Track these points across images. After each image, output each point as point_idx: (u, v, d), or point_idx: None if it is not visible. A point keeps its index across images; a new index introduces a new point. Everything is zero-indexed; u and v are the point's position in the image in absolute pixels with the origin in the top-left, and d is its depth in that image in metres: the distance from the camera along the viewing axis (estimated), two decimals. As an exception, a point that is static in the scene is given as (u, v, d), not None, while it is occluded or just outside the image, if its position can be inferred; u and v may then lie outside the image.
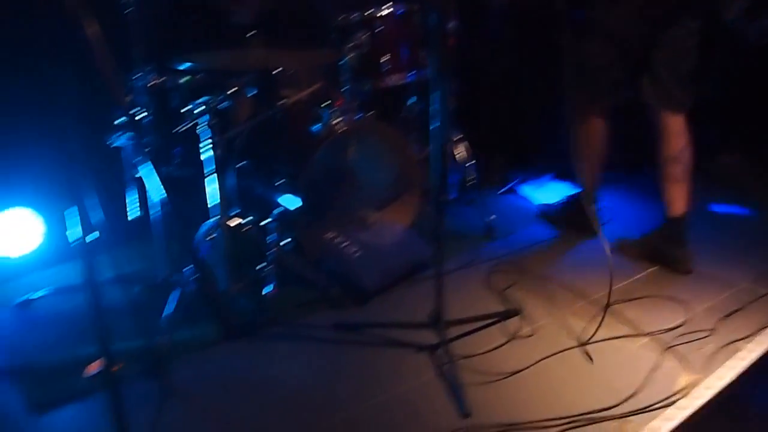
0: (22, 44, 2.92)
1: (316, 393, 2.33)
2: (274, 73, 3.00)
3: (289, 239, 2.91)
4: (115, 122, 2.58)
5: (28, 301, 2.92)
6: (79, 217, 1.23)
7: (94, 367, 2.43)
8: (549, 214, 3.66)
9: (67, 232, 1.21)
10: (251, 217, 2.81)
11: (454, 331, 2.54)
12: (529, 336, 2.60)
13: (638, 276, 3.03)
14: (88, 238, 1.23)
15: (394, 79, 3.19)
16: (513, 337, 2.58)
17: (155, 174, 2.75)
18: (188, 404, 2.28)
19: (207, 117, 2.59)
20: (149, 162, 2.71)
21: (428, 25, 2.26)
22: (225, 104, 2.63)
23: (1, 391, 2.40)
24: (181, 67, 2.75)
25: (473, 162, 3.58)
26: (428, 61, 3.15)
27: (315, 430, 2.17)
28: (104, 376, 2.30)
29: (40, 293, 2.95)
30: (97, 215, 1.27)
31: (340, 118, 2.93)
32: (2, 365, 2.55)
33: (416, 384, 2.35)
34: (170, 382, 2.35)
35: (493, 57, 4.31)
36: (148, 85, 2.78)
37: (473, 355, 2.47)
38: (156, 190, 2.64)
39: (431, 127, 2.29)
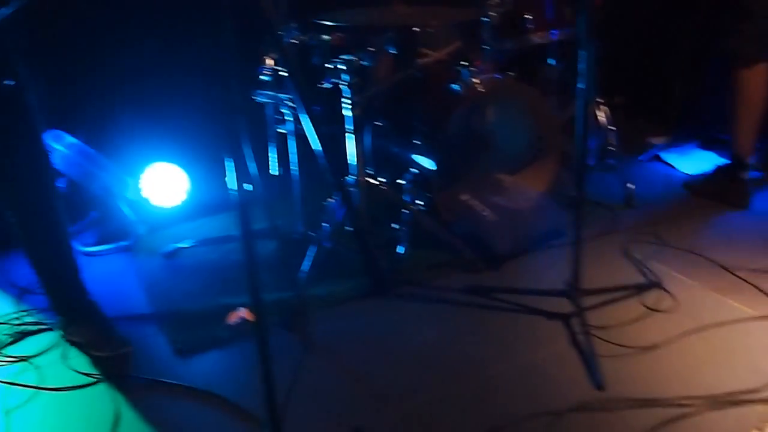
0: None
1: (450, 354, 2.34)
2: (414, 30, 2.97)
3: (424, 200, 2.91)
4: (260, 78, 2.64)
5: (176, 250, 3.07)
6: (235, 169, 1.26)
7: (235, 317, 2.55)
8: (694, 185, 3.48)
9: (226, 179, 1.24)
10: (385, 177, 2.83)
11: (590, 300, 2.47)
12: (668, 310, 2.49)
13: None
14: (244, 189, 1.26)
15: (537, 38, 3.09)
16: (651, 310, 2.49)
17: (295, 131, 2.82)
18: (324, 357, 2.34)
19: (348, 75, 2.61)
20: (290, 118, 2.78)
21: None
22: (366, 62, 2.63)
23: (149, 334, 2.55)
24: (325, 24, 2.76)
25: (614, 127, 3.44)
26: (575, 19, 3.03)
27: (450, 390, 2.17)
28: (252, 326, 2.42)
29: (186, 243, 3.11)
30: (251, 168, 1.30)
31: (480, 78, 2.87)
32: (151, 310, 2.71)
33: (549, 352, 2.31)
34: (308, 336, 2.42)
35: (640, 15, 4.10)
36: (291, 41, 2.82)
37: (609, 327, 2.40)
38: (294, 147, 2.70)
39: (577, 88, 2.20)
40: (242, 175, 1.27)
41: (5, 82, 2.03)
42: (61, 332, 2.52)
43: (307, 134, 1.92)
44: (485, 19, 2.92)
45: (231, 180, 1.27)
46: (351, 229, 2.67)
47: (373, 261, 2.61)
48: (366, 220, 2.74)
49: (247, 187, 1.28)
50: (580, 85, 2.21)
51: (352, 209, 2.48)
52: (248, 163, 1.32)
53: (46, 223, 2.33)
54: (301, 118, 1.51)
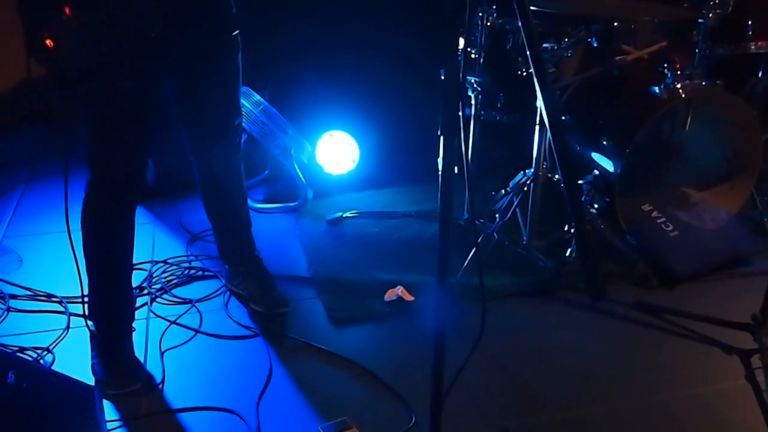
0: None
1: (612, 369, 2.22)
2: (616, 24, 2.81)
3: (602, 204, 2.76)
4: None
5: (340, 219, 3.10)
6: (444, 150, 1.21)
7: (392, 294, 2.53)
8: None
9: (438, 159, 1.20)
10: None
11: (774, 340, 2.26)
12: None
13: None
14: (452, 168, 1.21)
15: (757, 47, 2.83)
16: None
17: (476, 115, 2.75)
18: (483, 351, 2.26)
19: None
20: (474, 104, 2.71)
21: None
22: (568, 53, 2.51)
23: (306, 297, 2.59)
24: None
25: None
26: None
27: (607, 407, 2.06)
28: (408, 305, 2.38)
29: (350, 213, 3.12)
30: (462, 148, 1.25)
31: (685, 83, 2.67)
32: (310, 274, 2.74)
33: (721, 388, 2.14)
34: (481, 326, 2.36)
35: None
36: (487, 24, 2.73)
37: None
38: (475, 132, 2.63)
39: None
40: (451, 157, 1.21)
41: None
42: (227, 281, 2.60)
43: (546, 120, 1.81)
44: (701, 20, 2.70)
45: (439, 161, 1.22)
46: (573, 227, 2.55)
47: (592, 265, 2.50)
48: (533, 219, 2.62)
49: (453, 170, 1.23)
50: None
51: (578, 210, 2.38)
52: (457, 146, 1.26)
53: (227, 173, 2.39)
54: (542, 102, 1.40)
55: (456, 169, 1.25)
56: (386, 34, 3.21)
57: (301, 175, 3.20)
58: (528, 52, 1.21)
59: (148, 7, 1.86)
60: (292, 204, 3.23)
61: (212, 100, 2.19)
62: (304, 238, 3.00)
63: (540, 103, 2.04)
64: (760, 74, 3.20)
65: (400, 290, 2.53)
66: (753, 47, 2.86)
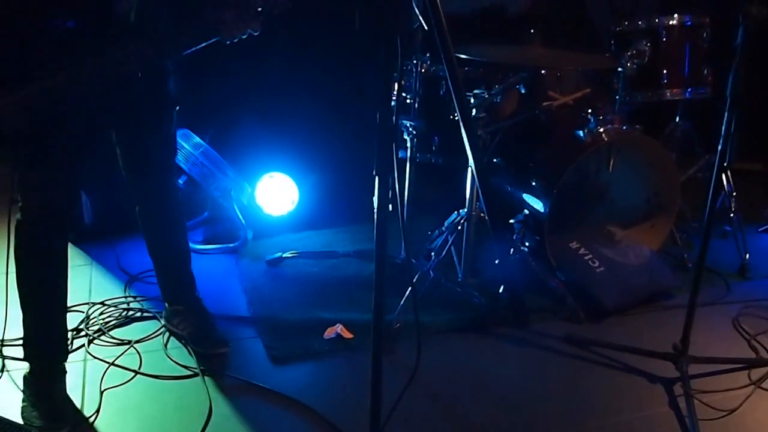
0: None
1: (543, 402, 2.29)
2: (543, 72, 2.97)
3: (532, 242, 2.88)
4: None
5: (279, 259, 3.13)
6: (379, 188, 1.28)
7: (331, 332, 2.57)
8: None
9: (373, 198, 1.27)
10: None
11: (695, 368, 2.37)
12: (780, 392, 2.37)
13: None
14: (385, 209, 1.28)
15: (671, 94, 3.02)
16: (760, 388, 2.36)
17: (411, 157, 2.85)
18: (419, 385, 2.32)
19: (476, 109, 2.62)
20: (409, 145, 2.81)
21: (729, 40, 2.10)
22: (497, 99, 2.64)
23: (246, 337, 2.61)
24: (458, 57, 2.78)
25: (735, 192, 3.33)
26: (714, 79, 2.96)
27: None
28: (347, 343, 2.42)
29: (289, 253, 3.16)
30: (395, 187, 1.32)
31: (607, 127, 2.83)
32: (250, 313, 2.76)
33: (646, 415, 2.23)
34: (416, 362, 2.42)
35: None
36: (421, 71, 2.85)
37: (713, 398, 2.28)
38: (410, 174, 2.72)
39: (719, 149, 2.14)
40: (385, 195, 1.29)
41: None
42: (166, 321, 2.60)
43: (471, 162, 1.90)
44: (620, 69, 2.89)
45: (375, 199, 1.30)
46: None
47: (518, 297, 2.60)
48: (467, 257, 2.72)
49: (388, 207, 1.30)
50: (719, 148, 2.15)
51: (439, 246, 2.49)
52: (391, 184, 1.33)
53: (167, 214, 2.44)
54: (467, 146, 1.48)
55: (390, 206, 1.32)
56: (325, 79, 3.31)
57: (240, 216, 3.23)
58: (453, 98, 1.30)
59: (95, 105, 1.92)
60: (231, 245, 3.25)
61: (153, 142, 2.27)
62: (244, 279, 3.02)
63: (466, 144, 2.16)
64: (677, 119, 3.42)
65: (339, 328, 2.58)
66: (668, 94, 3.04)
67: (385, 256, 1.35)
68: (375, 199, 1.32)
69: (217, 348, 2.48)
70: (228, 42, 1.86)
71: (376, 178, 1.33)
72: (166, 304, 2.61)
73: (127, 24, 1.91)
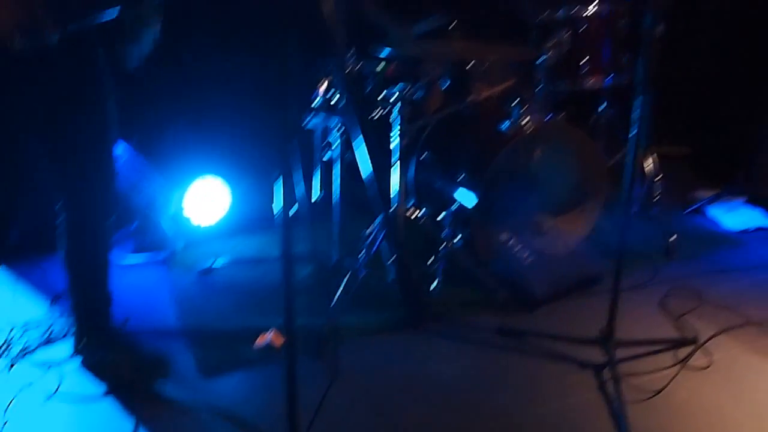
0: (243, 17, 3.08)
1: (475, 395, 2.30)
2: (468, 66, 2.98)
3: (462, 236, 2.89)
4: (312, 105, 2.66)
5: (211, 267, 3.09)
6: (283, 190, 1.26)
7: (262, 340, 2.54)
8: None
9: (273, 204, 1.25)
10: (427, 210, 2.81)
11: (623, 352, 2.42)
12: (704, 368, 2.43)
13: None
14: (289, 212, 1.26)
15: (592, 83, 3.06)
16: (685, 367, 2.42)
17: (340, 157, 2.83)
18: (349, 387, 2.32)
19: (399, 105, 2.61)
20: (337, 146, 2.79)
21: (641, 27, 2.14)
22: (418, 94, 2.63)
23: (177, 351, 2.55)
24: (381, 54, 2.78)
25: (660, 176, 3.40)
26: (632, 65, 3.00)
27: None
28: (279, 350, 2.41)
29: (221, 261, 3.12)
30: (299, 190, 1.30)
31: (530, 118, 2.86)
32: (180, 326, 2.72)
33: (577, 401, 2.26)
34: (334, 365, 2.40)
35: (698, 65, 4.07)
36: (346, 69, 2.83)
37: (640, 380, 2.34)
38: (339, 174, 2.70)
39: (630, 135, 2.18)
40: (289, 198, 1.27)
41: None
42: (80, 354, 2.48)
43: (358, 161, 1.92)
44: (541, 59, 2.91)
45: (277, 202, 1.27)
46: (393, 259, 2.64)
47: (413, 293, 2.59)
48: (407, 251, 2.72)
49: (292, 210, 1.28)
50: (632, 133, 2.19)
51: (395, 240, 2.47)
52: (295, 187, 1.32)
53: (93, 216, 2.34)
54: (355, 144, 1.49)
55: (294, 209, 1.30)
56: (254, 75, 3.23)
57: (169, 226, 3.17)
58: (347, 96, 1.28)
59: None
60: (161, 255, 3.19)
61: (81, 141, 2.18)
62: (175, 290, 2.97)
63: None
64: (602, 106, 3.47)
65: (271, 334, 2.54)
66: (590, 83, 3.08)
67: (293, 260, 1.33)
68: (276, 202, 1.30)
69: (146, 367, 2.40)
70: None
71: (278, 181, 1.30)
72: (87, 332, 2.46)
73: None
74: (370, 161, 2.42)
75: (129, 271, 3.09)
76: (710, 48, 4.12)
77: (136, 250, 3.27)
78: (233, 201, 3.40)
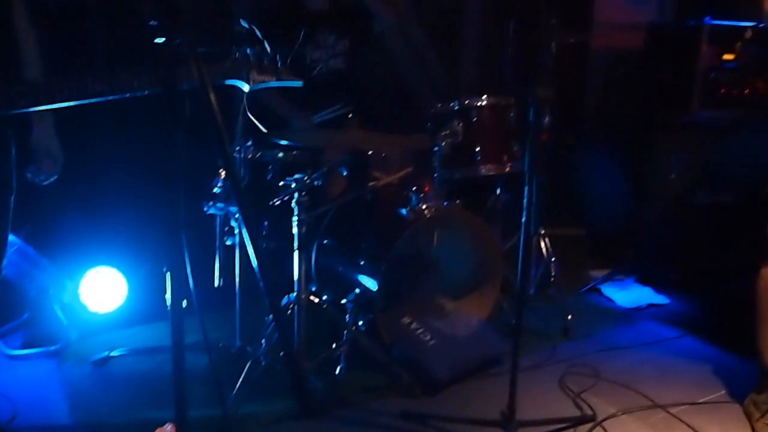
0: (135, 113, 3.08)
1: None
2: (368, 154, 3.07)
3: (365, 320, 2.90)
4: (212, 191, 2.66)
5: (106, 359, 2.98)
6: (172, 281, 1.26)
7: (162, 432, 2.45)
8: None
9: (166, 296, 1.24)
10: (329, 296, 2.82)
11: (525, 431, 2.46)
12: (603, 446, 2.49)
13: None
14: (181, 303, 1.25)
15: (485, 170, 3.18)
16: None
17: (241, 243, 2.82)
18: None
19: (297, 193, 2.65)
20: (239, 232, 2.79)
21: (525, 119, 2.28)
22: (317, 182, 2.68)
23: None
24: (280, 143, 2.82)
25: (554, 258, 3.53)
26: (521, 154, 3.16)
27: None
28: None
29: (117, 352, 3.02)
30: (189, 281, 1.30)
31: (428, 204, 2.95)
32: (76, 421, 2.59)
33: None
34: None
35: (584, 154, 4.32)
36: (247, 157, 2.86)
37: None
38: (240, 260, 2.69)
39: (522, 220, 2.28)
40: (179, 290, 1.26)
41: None
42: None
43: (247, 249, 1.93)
44: (436, 148, 3.03)
45: (168, 293, 1.26)
46: (283, 351, 2.62)
47: (302, 386, 2.56)
48: (301, 341, 2.70)
49: (183, 302, 1.27)
50: (523, 218, 2.29)
51: (284, 330, 2.46)
52: (187, 278, 1.31)
53: None
54: (243, 233, 1.52)
55: (185, 302, 1.29)
56: (146, 169, 3.22)
57: (62, 316, 3.05)
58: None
59: None
60: (53, 347, 3.05)
61: None
62: (68, 383, 2.84)
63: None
64: (498, 192, 3.61)
65: (168, 428, 2.45)
66: (483, 170, 3.19)
67: (183, 353, 1.31)
68: (167, 296, 1.29)
69: None
70: None
71: (167, 274, 1.30)
72: None
73: None
74: (266, 248, 2.41)
75: (18, 364, 2.94)
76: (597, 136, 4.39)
77: (27, 343, 3.11)
78: (130, 290, 3.31)
